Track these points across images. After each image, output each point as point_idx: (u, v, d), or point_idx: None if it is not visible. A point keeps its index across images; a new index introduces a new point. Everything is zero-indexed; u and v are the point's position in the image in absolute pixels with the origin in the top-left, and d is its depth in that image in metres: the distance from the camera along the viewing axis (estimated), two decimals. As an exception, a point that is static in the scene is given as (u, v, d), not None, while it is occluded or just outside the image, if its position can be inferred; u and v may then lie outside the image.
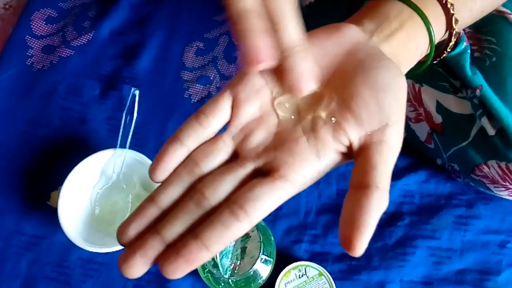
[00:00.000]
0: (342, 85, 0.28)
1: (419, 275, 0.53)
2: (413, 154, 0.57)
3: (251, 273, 0.48)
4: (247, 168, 0.26)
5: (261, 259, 0.48)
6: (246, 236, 0.48)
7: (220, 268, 0.46)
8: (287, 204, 0.56)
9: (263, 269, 0.49)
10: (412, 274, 0.52)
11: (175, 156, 0.27)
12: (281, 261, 0.51)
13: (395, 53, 0.29)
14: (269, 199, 0.25)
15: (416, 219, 0.55)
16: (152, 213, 0.26)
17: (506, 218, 0.54)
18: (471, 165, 0.49)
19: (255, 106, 0.28)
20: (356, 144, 0.26)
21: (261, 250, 0.47)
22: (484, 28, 0.47)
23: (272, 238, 0.51)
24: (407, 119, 0.53)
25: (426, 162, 0.57)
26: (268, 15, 0.25)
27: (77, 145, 0.59)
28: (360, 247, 0.23)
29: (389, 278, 0.52)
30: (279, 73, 0.28)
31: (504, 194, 0.50)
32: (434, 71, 0.49)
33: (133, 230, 0.25)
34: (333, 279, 0.50)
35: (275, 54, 0.26)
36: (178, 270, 0.23)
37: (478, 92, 0.44)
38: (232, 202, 0.24)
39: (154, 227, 0.25)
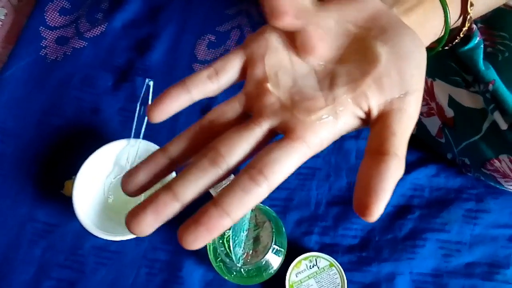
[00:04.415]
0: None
1: (429, 268, 0.53)
2: (423, 148, 0.58)
3: (263, 262, 0.49)
4: (263, 127, 0.26)
5: (273, 249, 0.49)
6: (259, 226, 0.48)
7: (233, 257, 0.47)
8: (298, 196, 0.57)
9: (275, 259, 0.50)
10: (422, 266, 0.53)
11: (178, 100, 0.27)
12: (292, 252, 0.51)
13: (413, 28, 0.29)
14: (286, 162, 0.24)
15: (426, 212, 0.55)
16: (160, 161, 0.26)
17: (515, 213, 0.55)
18: (482, 159, 0.49)
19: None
20: (375, 110, 0.26)
21: (273, 240, 0.47)
22: (497, 24, 0.47)
23: (284, 229, 0.51)
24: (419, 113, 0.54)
25: (436, 156, 0.57)
26: None
27: (90, 136, 0.60)
28: (376, 212, 0.23)
29: (399, 270, 0.53)
30: (292, 36, 0.28)
31: (514, 188, 0.50)
32: (446, 66, 0.49)
33: (141, 177, 0.25)
34: (344, 270, 0.50)
35: (295, 13, 0.25)
36: (198, 239, 0.22)
37: (490, 86, 0.45)
38: (250, 167, 0.24)
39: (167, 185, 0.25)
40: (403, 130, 0.25)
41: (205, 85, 0.28)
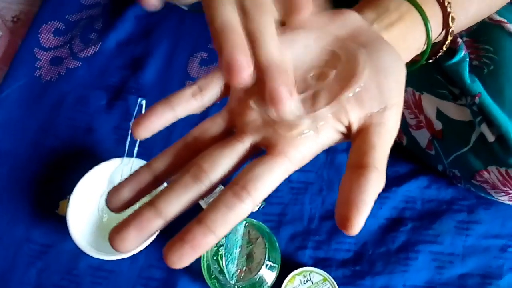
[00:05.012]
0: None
1: (422, 280, 0.53)
2: (414, 161, 0.58)
3: (257, 279, 0.49)
4: (246, 143, 0.26)
5: (266, 265, 0.49)
6: (252, 242, 0.49)
7: (226, 274, 0.47)
8: (291, 210, 0.57)
9: (268, 275, 0.50)
10: (415, 278, 0.53)
11: (162, 117, 0.28)
12: (286, 267, 0.52)
13: (394, 43, 0.30)
14: (269, 177, 0.24)
15: (419, 224, 0.55)
16: (144, 177, 0.26)
17: (507, 223, 0.55)
18: (471, 170, 0.50)
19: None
20: (355, 125, 0.26)
21: (266, 256, 0.48)
22: (482, 37, 0.48)
23: (277, 245, 0.52)
24: (409, 126, 0.55)
25: (427, 168, 0.58)
26: (247, 31, 0.25)
27: (85, 155, 0.60)
28: (357, 226, 0.23)
29: (392, 283, 0.53)
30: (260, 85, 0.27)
31: (504, 199, 0.50)
32: (434, 79, 0.50)
33: (126, 193, 0.26)
34: (337, 284, 0.51)
35: (252, 70, 0.25)
36: (183, 258, 0.22)
37: (477, 99, 0.45)
38: (233, 183, 0.24)
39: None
40: (383, 144, 0.26)
41: (189, 103, 0.28)
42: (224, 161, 0.25)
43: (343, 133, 0.27)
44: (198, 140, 0.28)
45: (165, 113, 0.28)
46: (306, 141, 0.26)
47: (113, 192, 0.26)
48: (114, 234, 0.24)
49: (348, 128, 0.27)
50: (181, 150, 0.27)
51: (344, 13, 0.30)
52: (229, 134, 0.28)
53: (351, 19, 0.30)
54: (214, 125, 0.28)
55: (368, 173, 0.24)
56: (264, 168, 0.25)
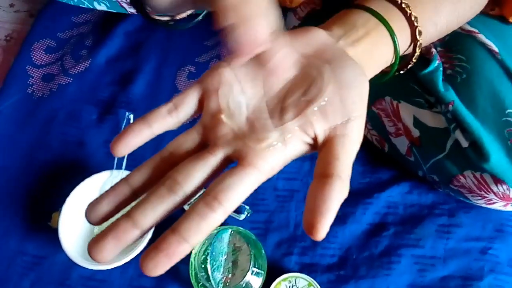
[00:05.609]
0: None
1: (405, 283, 0.54)
2: (396, 167, 0.60)
3: (243, 285, 0.50)
4: (218, 156, 0.28)
5: (252, 271, 0.50)
6: (237, 250, 0.50)
7: (212, 281, 0.49)
8: (278, 218, 0.59)
9: (255, 281, 0.52)
10: (398, 282, 0.54)
11: (140, 135, 0.29)
12: (273, 273, 0.53)
13: (360, 58, 0.31)
14: (240, 187, 0.26)
15: (401, 229, 0.57)
16: (122, 190, 0.27)
17: (486, 226, 0.57)
18: (449, 176, 0.51)
19: None
20: (321, 136, 0.28)
21: (252, 263, 0.49)
22: (454, 47, 0.49)
23: (263, 252, 0.53)
24: (388, 133, 0.56)
25: (408, 174, 0.59)
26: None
27: (76, 168, 0.62)
28: (322, 232, 0.24)
29: (376, 287, 0.54)
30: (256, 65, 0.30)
31: (481, 202, 0.52)
32: (410, 88, 0.52)
33: (104, 207, 0.27)
34: (322, 289, 0.52)
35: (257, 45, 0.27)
36: (158, 266, 0.24)
37: (450, 107, 0.47)
38: (206, 194, 0.26)
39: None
40: (346, 154, 0.27)
41: (165, 120, 0.30)
42: (198, 173, 0.27)
43: (310, 144, 0.29)
44: (173, 154, 0.29)
45: (142, 130, 0.29)
46: (275, 152, 0.27)
47: (91, 206, 0.27)
48: (93, 245, 0.25)
49: (315, 139, 0.28)
50: (158, 164, 0.29)
51: (310, 31, 0.32)
52: (203, 147, 0.29)
53: (316, 37, 0.32)
54: (189, 140, 0.30)
55: (332, 182, 0.26)
56: (235, 179, 0.26)
